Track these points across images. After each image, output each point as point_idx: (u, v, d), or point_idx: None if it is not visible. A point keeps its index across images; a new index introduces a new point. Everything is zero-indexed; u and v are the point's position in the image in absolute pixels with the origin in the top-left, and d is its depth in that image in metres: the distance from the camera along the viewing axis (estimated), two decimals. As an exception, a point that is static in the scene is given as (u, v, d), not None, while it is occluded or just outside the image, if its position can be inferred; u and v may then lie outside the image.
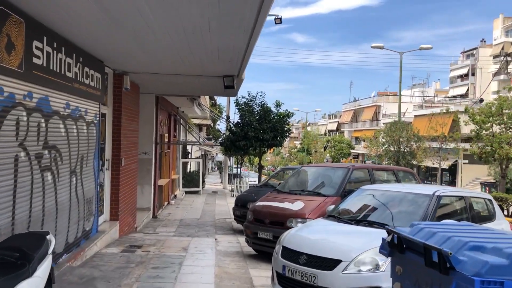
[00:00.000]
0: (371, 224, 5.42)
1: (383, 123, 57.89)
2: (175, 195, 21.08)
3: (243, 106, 13.91)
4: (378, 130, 30.22)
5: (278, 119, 13.61)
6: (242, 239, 10.49)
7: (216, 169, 75.11)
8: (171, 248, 8.65)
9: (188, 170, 26.29)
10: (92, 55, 7.52)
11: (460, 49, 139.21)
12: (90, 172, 7.77)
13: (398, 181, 8.96)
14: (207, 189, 29.40)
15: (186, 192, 23.51)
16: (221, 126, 51.16)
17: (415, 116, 47.61)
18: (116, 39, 6.54)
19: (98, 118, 8.19)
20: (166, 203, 17.92)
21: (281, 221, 7.45)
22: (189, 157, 27.81)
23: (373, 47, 25.88)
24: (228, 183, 32.25)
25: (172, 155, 19.62)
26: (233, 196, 24.46)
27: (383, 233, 5.10)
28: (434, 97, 66.81)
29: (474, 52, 74.76)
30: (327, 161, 55.47)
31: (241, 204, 11.65)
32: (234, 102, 14.09)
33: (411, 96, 64.75)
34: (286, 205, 7.59)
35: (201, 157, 34.46)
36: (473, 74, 73.86)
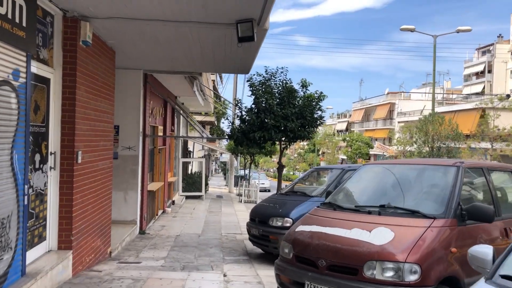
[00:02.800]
0: None
1: (398, 122, 54.35)
2: (173, 201, 17.66)
3: (258, 86, 10.47)
4: (406, 126, 26.67)
5: (306, 103, 10.13)
6: (263, 273, 7.05)
7: (220, 171, 71.87)
8: (151, 300, 5.19)
9: (189, 172, 22.88)
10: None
11: (465, 50, 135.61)
12: (3, 173, 4.34)
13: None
14: (211, 192, 25.99)
15: (187, 197, 20.11)
16: (226, 124, 47.77)
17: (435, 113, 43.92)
18: None
19: (25, 81, 4.76)
20: (161, 211, 14.50)
21: (353, 266, 3.97)
22: (191, 156, 24.40)
23: (402, 30, 22.40)
24: (235, 186, 28.80)
25: (169, 153, 16.20)
26: (241, 201, 21.04)
27: None
28: (451, 94, 63.25)
29: (491, 48, 71.53)
30: (342, 162, 51.79)
31: (260, 219, 8.18)
32: (247, 81, 10.63)
33: (424, 93, 61.20)
34: (357, 233, 4.10)
35: (203, 157, 31.04)
36: (489, 71, 70.62)
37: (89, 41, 6.08)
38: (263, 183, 32.56)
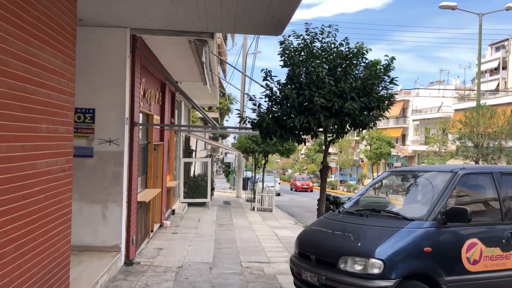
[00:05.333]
0: None
1: (413, 120, 51.04)
2: (173, 211, 14.40)
3: (296, 53, 7.22)
4: (441, 122, 23.46)
5: (372, 73, 6.82)
6: None
7: (222, 172, 68.79)
8: None
9: (191, 174, 19.62)
10: None
11: (466, 50, 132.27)
12: None
13: None
14: (216, 198, 22.73)
15: (189, 204, 16.83)
16: (230, 122, 44.16)
17: (456, 110, 40.64)
18: None
19: None
20: (157, 225, 11.25)
21: None
22: (193, 156, 21.13)
23: (442, 7, 19.16)
24: (243, 189, 25.55)
25: (168, 151, 12.95)
26: (253, 209, 17.75)
27: None
28: (471, 90, 60.06)
29: (505, 43, 68.65)
30: (360, 163, 48.33)
31: (321, 257, 4.86)
32: (280, 44, 7.32)
33: (439, 89, 58.07)
34: None
35: (207, 157, 27.78)
36: (503, 68, 67.77)
37: None
38: (272, 186, 29.28)
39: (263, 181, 18.76)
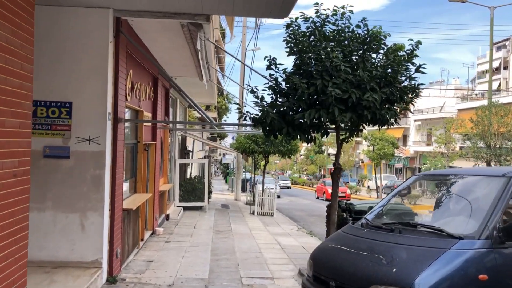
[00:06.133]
0: None
1: (414, 120, 50.11)
2: (167, 216, 13.38)
3: (305, 38, 6.23)
4: (447, 121, 22.56)
5: (396, 59, 5.84)
6: None
7: (220, 173, 67.83)
8: None
9: (187, 176, 18.59)
10: None
11: (463, 51, 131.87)
12: None
13: None
14: (214, 200, 21.71)
15: (185, 208, 15.82)
16: (229, 121, 43.18)
17: (459, 110, 39.70)
18: None
19: None
20: (149, 233, 10.23)
21: None
22: (190, 157, 20.12)
23: (451, 0, 18.18)
24: (242, 191, 24.54)
25: (161, 151, 11.93)
26: (253, 213, 16.74)
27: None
28: (473, 90, 59.23)
29: (507, 43, 67.94)
30: (360, 164, 47.28)
31: (340, 283, 3.83)
32: (286, 28, 6.33)
33: (440, 89, 57.22)
34: None
35: (204, 158, 26.75)
36: (505, 68, 67.07)
37: None
38: (272, 188, 28.28)
39: (263, 183, 17.73)
